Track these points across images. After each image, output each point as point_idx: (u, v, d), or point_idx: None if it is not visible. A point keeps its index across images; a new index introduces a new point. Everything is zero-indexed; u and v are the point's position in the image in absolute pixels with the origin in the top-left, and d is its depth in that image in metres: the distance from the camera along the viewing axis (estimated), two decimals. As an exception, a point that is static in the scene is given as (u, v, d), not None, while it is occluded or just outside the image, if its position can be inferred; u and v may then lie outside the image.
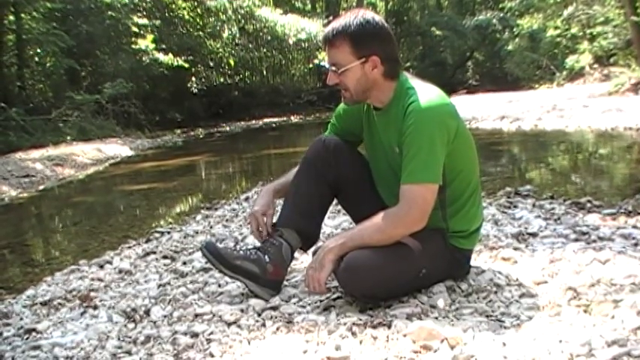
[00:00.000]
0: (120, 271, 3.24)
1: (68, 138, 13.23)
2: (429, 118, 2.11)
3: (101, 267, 3.44)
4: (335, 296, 2.28)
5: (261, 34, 24.38)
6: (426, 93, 2.16)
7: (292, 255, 2.44)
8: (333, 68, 2.22)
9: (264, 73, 27.49)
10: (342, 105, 2.52)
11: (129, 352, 2.03)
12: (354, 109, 2.44)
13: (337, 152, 2.45)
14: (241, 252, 2.40)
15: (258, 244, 2.47)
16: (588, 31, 22.34)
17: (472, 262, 2.47)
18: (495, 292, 2.26)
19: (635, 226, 3.12)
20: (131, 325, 2.32)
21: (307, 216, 2.42)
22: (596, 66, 21.31)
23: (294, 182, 2.47)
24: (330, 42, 2.19)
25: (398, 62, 2.28)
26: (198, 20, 23.27)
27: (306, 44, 23.97)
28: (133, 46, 18.73)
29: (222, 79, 25.38)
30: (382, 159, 2.36)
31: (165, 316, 2.32)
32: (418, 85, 2.23)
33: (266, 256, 2.35)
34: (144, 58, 18.62)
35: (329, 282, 2.31)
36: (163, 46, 19.47)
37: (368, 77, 2.21)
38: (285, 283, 2.51)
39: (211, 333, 2.05)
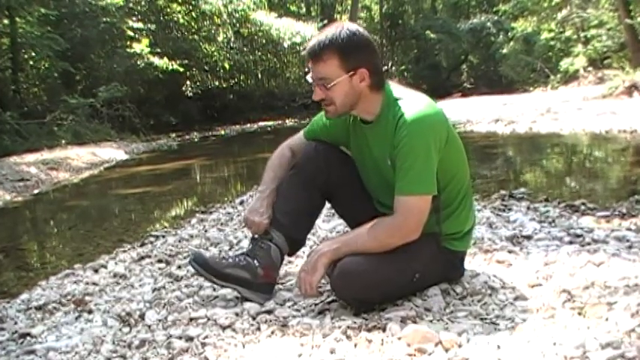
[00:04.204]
0: (115, 275, 3.23)
1: (63, 142, 13.18)
2: (421, 129, 2.10)
3: (96, 271, 3.43)
4: (330, 299, 2.28)
5: (256, 37, 24.37)
6: (415, 103, 2.16)
7: (282, 257, 2.44)
8: (320, 82, 2.17)
9: (259, 76, 27.47)
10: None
11: (124, 357, 2.03)
12: (341, 119, 2.40)
13: (328, 157, 2.44)
14: (230, 260, 2.39)
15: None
16: (582, 34, 22.46)
17: (467, 265, 2.48)
18: (490, 295, 2.27)
19: (629, 229, 3.14)
20: (126, 329, 2.31)
21: (295, 220, 2.42)
22: (590, 69, 21.40)
23: (284, 186, 2.46)
24: (317, 56, 2.15)
25: (382, 73, 2.27)
26: (193, 24, 23.23)
27: (301, 48, 23.96)
28: (128, 50, 18.64)
29: (217, 83, 25.32)
30: (373, 171, 2.35)
31: (159, 320, 2.32)
32: (405, 94, 2.21)
33: (255, 261, 2.35)
34: (139, 62, 18.56)
35: (323, 285, 2.31)
36: (158, 50, 19.42)
37: (355, 90, 2.18)
38: (279, 286, 2.51)
39: (206, 337, 2.05)
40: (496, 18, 31.86)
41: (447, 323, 2.03)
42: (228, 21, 22.82)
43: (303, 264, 2.28)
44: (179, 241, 3.88)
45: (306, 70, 2.27)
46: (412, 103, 2.16)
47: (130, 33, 18.87)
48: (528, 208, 3.93)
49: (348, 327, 1.99)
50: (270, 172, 2.53)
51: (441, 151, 2.15)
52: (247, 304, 2.31)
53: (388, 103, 2.21)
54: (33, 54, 16.63)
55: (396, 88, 2.26)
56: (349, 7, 31.20)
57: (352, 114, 2.32)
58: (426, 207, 2.13)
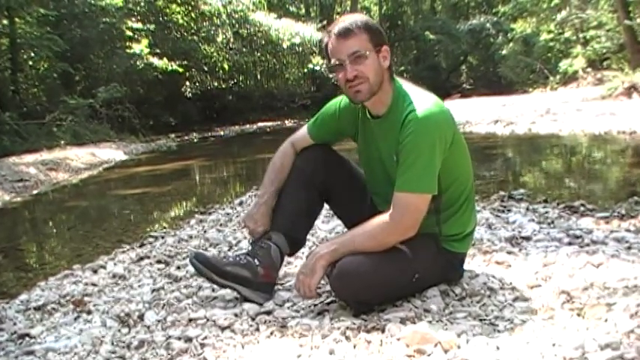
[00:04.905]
0: (114, 276, 3.23)
1: (62, 142, 13.17)
2: (428, 128, 2.11)
3: (95, 272, 3.43)
4: (329, 300, 2.28)
5: (255, 38, 24.38)
6: (424, 101, 2.16)
7: (282, 258, 2.45)
8: (354, 55, 2.16)
9: (259, 77, 27.46)
10: (338, 104, 2.47)
11: (122, 357, 2.03)
12: (351, 111, 2.42)
13: (325, 157, 2.46)
14: (230, 258, 2.41)
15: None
16: (582, 35, 22.46)
17: (466, 266, 2.47)
18: (489, 296, 2.27)
19: (628, 230, 3.13)
20: (125, 330, 2.31)
21: (295, 221, 2.43)
22: (589, 70, 21.39)
23: (284, 188, 2.47)
24: (350, 32, 2.17)
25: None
26: (192, 24, 23.24)
27: (300, 48, 23.99)
28: (127, 51, 18.65)
29: (216, 84, 25.35)
30: (379, 167, 2.35)
31: (159, 321, 2.32)
32: (415, 92, 2.22)
33: (255, 260, 2.36)
34: (138, 63, 18.56)
35: (323, 286, 2.31)
36: (157, 51, 19.43)
37: (381, 69, 2.21)
38: (278, 287, 2.51)
39: (205, 337, 2.05)
40: (495, 19, 31.88)
41: (446, 324, 2.03)
42: (227, 22, 22.83)
43: (302, 266, 2.28)
44: (178, 242, 3.88)
45: (327, 63, 2.28)
46: (420, 100, 2.16)
47: (130, 33, 18.90)
48: (527, 209, 3.92)
49: (347, 328, 1.98)
50: (270, 174, 2.53)
51: (445, 152, 2.15)
52: (246, 305, 2.31)
53: (397, 99, 2.22)
54: (32, 54, 16.62)
55: (406, 84, 2.27)
56: (348, 8, 31.21)
57: (366, 105, 2.31)
58: (423, 206, 2.13)
